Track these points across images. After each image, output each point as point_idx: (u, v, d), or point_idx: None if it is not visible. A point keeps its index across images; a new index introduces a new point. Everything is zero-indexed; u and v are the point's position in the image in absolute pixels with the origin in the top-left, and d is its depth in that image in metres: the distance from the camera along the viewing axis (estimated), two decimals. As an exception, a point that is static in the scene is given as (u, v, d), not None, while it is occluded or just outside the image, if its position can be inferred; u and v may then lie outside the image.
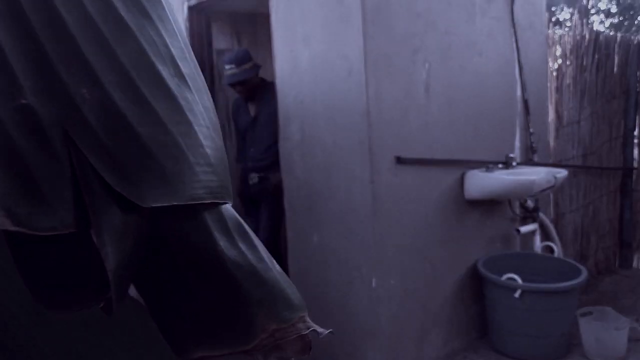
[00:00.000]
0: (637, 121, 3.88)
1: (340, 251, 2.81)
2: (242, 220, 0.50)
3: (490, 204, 3.58)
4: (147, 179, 0.41)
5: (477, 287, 3.07)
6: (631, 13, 3.37)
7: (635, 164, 4.13)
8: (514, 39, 3.42)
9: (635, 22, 3.35)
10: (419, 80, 2.84)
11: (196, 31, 3.57)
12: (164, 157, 0.42)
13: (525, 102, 3.44)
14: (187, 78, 0.48)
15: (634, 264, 4.32)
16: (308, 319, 0.48)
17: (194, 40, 3.58)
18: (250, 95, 3.42)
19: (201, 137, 0.46)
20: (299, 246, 2.99)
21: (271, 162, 3.29)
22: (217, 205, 0.47)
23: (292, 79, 2.92)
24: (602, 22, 3.47)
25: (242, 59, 3.30)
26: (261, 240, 0.50)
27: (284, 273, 0.50)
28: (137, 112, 0.42)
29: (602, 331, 2.77)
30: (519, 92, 3.46)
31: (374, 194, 2.67)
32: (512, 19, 3.38)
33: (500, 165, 3.47)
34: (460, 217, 3.33)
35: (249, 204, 3.56)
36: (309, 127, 2.87)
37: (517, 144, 3.47)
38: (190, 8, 3.50)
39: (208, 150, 0.46)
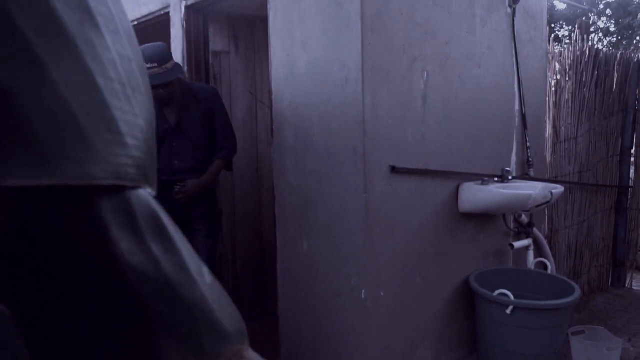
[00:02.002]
0: (634, 139, 3.86)
1: (330, 260, 2.76)
2: (162, 214, 0.36)
3: (484, 218, 3.54)
4: (7, 146, 0.27)
5: (468, 301, 3.03)
6: (629, 32, 3.37)
7: (631, 182, 4.10)
8: (513, 52, 3.39)
9: (634, 42, 3.35)
10: (417, 89, 2.80)
11: (192, 31, 3.53)
12: (35, 115, 0.27)
13: (523, 116, 3.41)
14: (97, 15, 0.34)
15: (627, 283, 4.28)
16: (247, 354, 0.35)
17: (190, 40, 3.53)
18: (169, 100, 2.92)
19: (106, 94, 0.32)
20: (288, 254, 2.93)
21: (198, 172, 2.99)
22: (121, 190, 0.33)
23: (288, 83, 2.88)
24: (600, 39, 3.46)
25: (164, 57, 2.81)
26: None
27: (219, 287, 0.37)
28: None
29: (594, 351, 2.73)
30: (517, 106, 3.43)
31: (367, 203, 2.62)
32: (513, 32, 3.35)
33: (495, 179, 3.43)
34: (454, 229, 3.29)
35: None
36: (302, 133, 2.82)
37: (514, 157, 3.43)
38: (187, 7, 3.46)
39: (116, 113, 0.32)
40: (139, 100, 0.34)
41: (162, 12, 3.71)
